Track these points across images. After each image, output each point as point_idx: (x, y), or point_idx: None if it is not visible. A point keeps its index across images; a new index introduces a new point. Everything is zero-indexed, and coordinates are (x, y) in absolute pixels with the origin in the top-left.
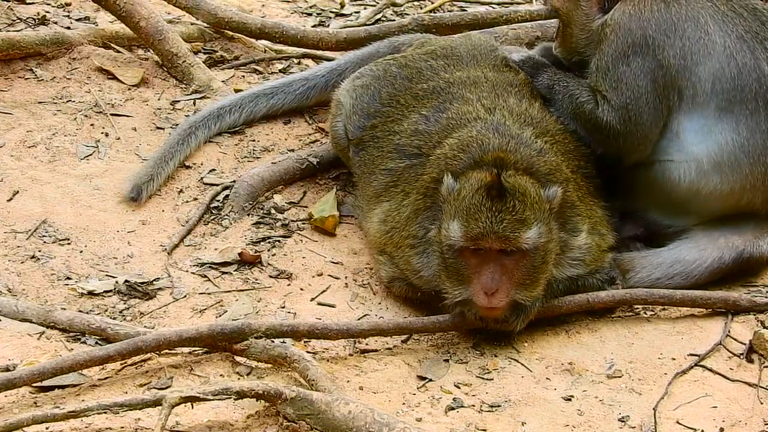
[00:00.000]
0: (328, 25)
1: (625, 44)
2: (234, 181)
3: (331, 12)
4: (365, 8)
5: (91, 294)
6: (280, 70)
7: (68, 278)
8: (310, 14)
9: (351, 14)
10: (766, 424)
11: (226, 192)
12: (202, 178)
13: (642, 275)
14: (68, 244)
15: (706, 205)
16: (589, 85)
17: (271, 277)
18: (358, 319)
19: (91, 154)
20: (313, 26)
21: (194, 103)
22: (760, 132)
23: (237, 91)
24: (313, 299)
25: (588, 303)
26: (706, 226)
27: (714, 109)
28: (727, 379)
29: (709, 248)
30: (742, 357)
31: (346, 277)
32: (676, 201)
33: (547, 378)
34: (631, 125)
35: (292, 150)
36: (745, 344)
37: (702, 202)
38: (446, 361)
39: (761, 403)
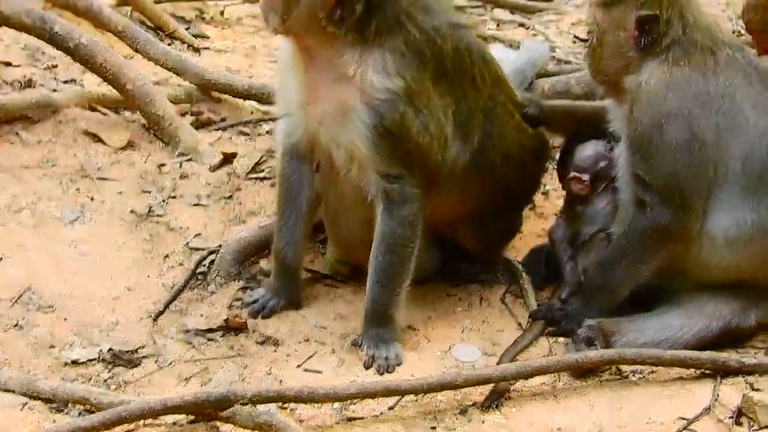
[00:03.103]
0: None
1: (660, 114)
2: (220, 246)
3: None
4: None
5: (75, 363)
6: (267, 132)
7: (52, 347)
8: None
9: None
10: None
11: (213, 257)
12: (188, 243)
13: (627, 339)
14: (52, 311)
15: (707, 276)
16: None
17: (257, 343)
18: None
19: (76, 219)
20: None
21: (180, 166)
22: None
23: (224, 154)
24: (299, 365)
25: (577, 363)
26: (696, 292)
27: (740, 188)
28: None
29: (696, 316)
30: (731, 420)
31: (332, 343)
32: (677, 269)
33: None
34: (682, 213)
35: None
36: (733, 407)
37: (704, 272)
38: (433, 428)
39: None
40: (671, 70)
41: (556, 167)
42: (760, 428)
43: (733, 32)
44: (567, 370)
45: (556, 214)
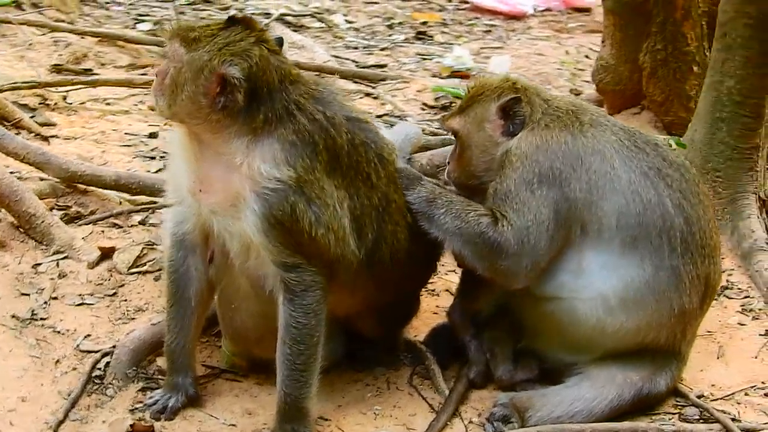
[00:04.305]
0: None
1: (531, 173)
2: (114, 347)
3: None
4: None
5: None
6: (139, 222)
7: None
8: (153, 158)
9: None
10: None
11: (107, 359)
12: (78, 346)
13: (542, 413)
14: None
15: (610, 342)
16: (483, 205)
17: None
18: None
19: None
20: (158, 170)
21: (57, 265)
22: (665, 269)
23: (102, 249)
24: None
25: None
26: (602, 362)
27: (618, 245)
28: None
29: (607, 386)
30: None
31: None
32: (579, 338)
33: None
34: (527, 248)
35: None
36: None
37: (607, 339)
38: None
39: None
40: (541, 134)
41: None
42: None
43: (571, 91)
44: None
45: (447, 290)
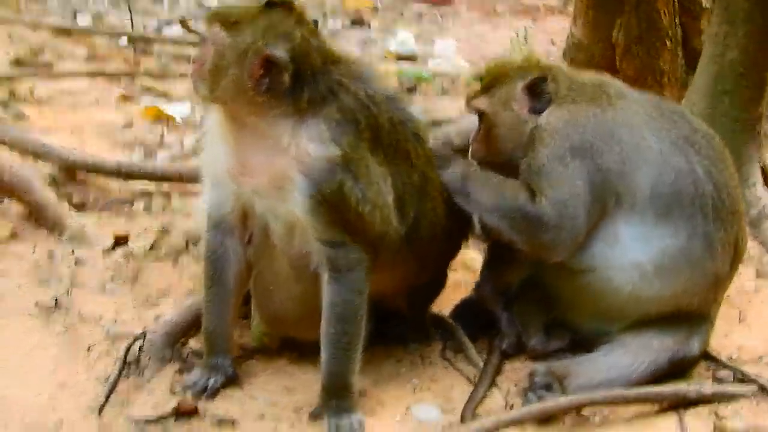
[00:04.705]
0: (155, 157)
1: (563, 148)
2: (144, 331)
3: (155, 143)
4: (185, 135)
5: None
6: (144, 209)
7: None
8: (132, 147)
9: (173, 144)
10: None
11: (139, 342)
12: (107, 331)
13: (581, 381)
14: None
15: (644, 310)
16: (518, 180)
17: (213, 425)
18: None
19: None
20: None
21: (72, 253)
22: (698, 235)
23: (116, 236)
24: None
25: (549, 410)
26: (635, 329)
27: (652, 214)
28: None
29: (643, 352)
30: None
31: (288, 417)
32: (613, 307)
33: None
34: (566, 220)
35: (192, 291)
36: None
37: (642, 306)
38: None
39: None
40: (569, 108)
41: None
42: None
43: None
44: (543, 418)
45: (464, 265)
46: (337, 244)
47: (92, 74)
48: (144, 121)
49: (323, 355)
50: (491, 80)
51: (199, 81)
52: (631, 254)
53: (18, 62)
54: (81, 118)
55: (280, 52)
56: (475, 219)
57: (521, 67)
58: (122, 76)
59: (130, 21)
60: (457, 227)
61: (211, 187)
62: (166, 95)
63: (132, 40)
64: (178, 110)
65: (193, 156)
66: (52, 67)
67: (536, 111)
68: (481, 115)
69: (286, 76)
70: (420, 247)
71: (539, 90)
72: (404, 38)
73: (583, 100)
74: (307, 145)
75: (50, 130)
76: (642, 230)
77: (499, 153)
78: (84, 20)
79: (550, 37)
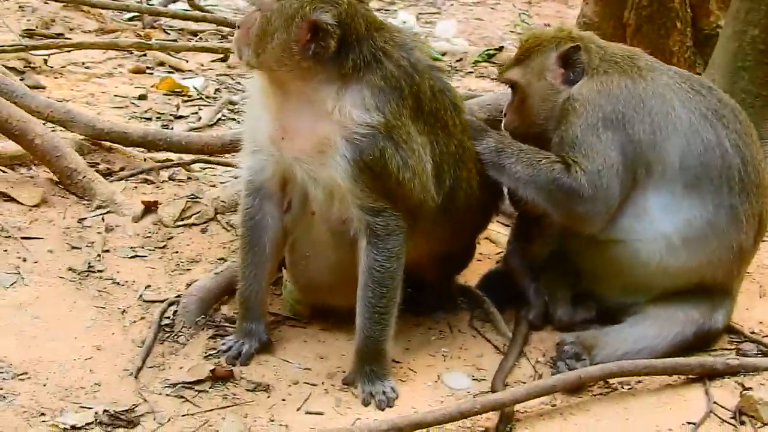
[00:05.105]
0: (172, 128)
1: (595, 118)
2: (178, 296)
3: (171, 115)
4: (200, 108)
5: (74, 428)
6: (169, 178)
7: (42, 414)
8: (149, 119)
9: (189, 116)
10: None
11: (173, 308)
12: (141, 296)
13: (608, 351)
14: (29, 378)
15: (671, 282)
16: (552, 152)
17: (248, 390)
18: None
19: (15, 282)
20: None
21: (102, 219)
22: (724, 208)
23: (144, 203)
24: (299, 409)
25: (581, 379)
26: (661, 301)
27: (681, 185)
28: None
29: (669, 323)
30: (735, 421)
31: (322, 383)
32: (641, 279)
33: None
34: (601, 191)
35: (222, 259)
36: (728, 408)
37: (669, 278)
38: None
39: None
40: (601, 79)
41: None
42: (765, 424)
43: None
44: (573, 387)
45: (487, 238)
46: (377, 211)
47: (108, 46)
48: (158, 94)
49: (358, 320)
50: (524, 51)
51: (244, 46)
52: (658, 225)
53: (30, 34)
54: (96, 89)
55: (327, 17)
56: (506, 191)
57: (555, 38)
58: (134, 50)
59: None
60: (489, 199)
61: (252, 153)
62: (178, 69)
63: (142, 12)
64: (192, 82)
65: (210, 127)
66: (63, 39)
67: (570, 81)
68: (515, 86)
69: (332, 41)
70: (454, 216)
71: (573, 60)
72: (405, 19)
73: (615, 72)
74: (350, 111)
75: (67, 100)
76: (670, 201)
77: (532, 124)
78: None
79: (544, 22)
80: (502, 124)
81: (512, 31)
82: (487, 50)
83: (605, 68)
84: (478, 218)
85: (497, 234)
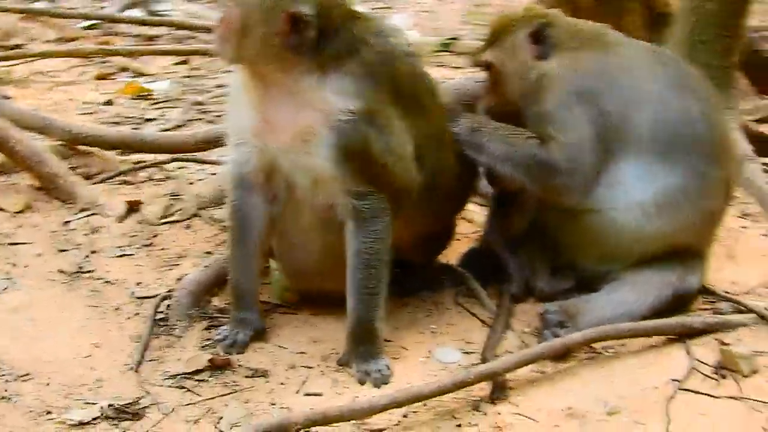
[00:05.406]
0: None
1: (567, 93)
2: (170, 291)
3: (139, 118)
4: (168, 111)
5: (81, 424)
6: (147, 178)
7: (48, 413)
8: (118, 123)
9: (157, 118)
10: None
11: (166, 302)
12: (132, 293)
13: (590, 317)
14: (31, 378)
15: (646, 248)
16: (528, 129)
17: (247, 377)
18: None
19: (7, 287)
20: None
21: (87, 221)
22: (695, 174)
23: (127, 203)
24: (297, 391)
25: (565, 345)
26: (637, 267)
27: (653, 154)
28: (714, 397)
29: (646, 288)
30: (717, 375)
31: (318, 365)
32: (617, 247)
33: (556, 425)
34: (578, 164)
35: (208, 252)
36: (710, 364)
37: (644, 245)
38: (459, 426)
39: (759, 412)
40: (571, 55)
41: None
42: (745, 377)
43: None
44: (560, 353)
45: (463, 218)
46: (362, 195)
47: (76, 54)
48: (124, 98)
49: (349, 302)
50: (495, 33)
51: (224, 42)
52: (633, 194)
53: None
54: (61, 97)
55: (305, 8)
56: (482, 170)
57: (524, 17)
58: (94, 57)
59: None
60: (467, 179)
61: (236, 146)
62: (141, 73)
63: (98, 20)
64: (157, 86)
65: (180, 128)
66: (23, 49)
67: (542, 57)
68: (489, 67)
69: (311, 31)
70: (436, 197)
71: (544, 36)
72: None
73: (584, 47)
74: (331, 99)
75: (35, 109)
76: (644, 170)
77: (507, 103)
78: (41, 5)
79: (496, 10)
80: (478, 107)
81: (464, 21)
82: (444, 40)
83: (575, 45)
84: (458, 198)
85: (473, 213)
